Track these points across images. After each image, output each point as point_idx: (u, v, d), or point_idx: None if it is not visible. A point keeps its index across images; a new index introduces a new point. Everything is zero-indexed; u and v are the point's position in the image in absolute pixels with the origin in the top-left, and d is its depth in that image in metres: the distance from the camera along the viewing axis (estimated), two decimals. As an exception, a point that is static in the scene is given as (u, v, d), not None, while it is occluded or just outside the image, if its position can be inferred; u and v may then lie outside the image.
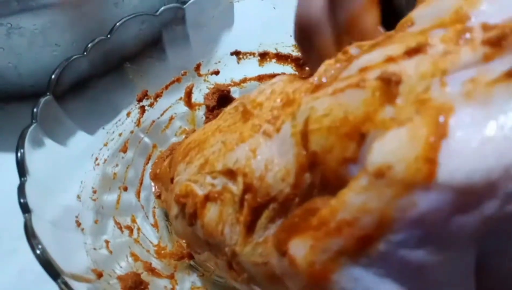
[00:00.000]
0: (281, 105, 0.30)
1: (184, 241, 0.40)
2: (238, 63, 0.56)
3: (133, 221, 0.46)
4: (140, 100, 0.51)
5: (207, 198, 0.33)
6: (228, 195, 0.31)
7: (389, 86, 0.23)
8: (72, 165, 0.44)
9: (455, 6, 0.24)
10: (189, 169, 0.35)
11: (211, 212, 0.32)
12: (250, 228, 0.30)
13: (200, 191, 0.33)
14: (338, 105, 0.25)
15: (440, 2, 0.25)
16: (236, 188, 0.31)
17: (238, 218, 0.31)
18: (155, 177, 0.49)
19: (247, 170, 0.30)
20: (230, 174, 0.31)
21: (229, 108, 0.37)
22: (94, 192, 0.45)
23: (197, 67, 0.55)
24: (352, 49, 0.28)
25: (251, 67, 0.56)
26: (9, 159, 0.38)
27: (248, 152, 0.30)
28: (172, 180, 0.39)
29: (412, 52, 0.24)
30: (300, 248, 0.25)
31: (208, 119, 0.53)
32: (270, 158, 0.29)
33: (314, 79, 0.29)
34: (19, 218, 0.34)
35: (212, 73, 0.55)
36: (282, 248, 0.27)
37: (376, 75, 0.24)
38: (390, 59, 0.24)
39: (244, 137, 0.31)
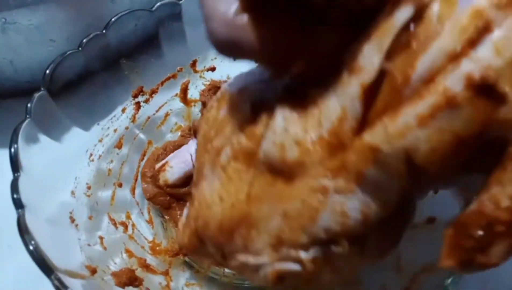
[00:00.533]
0: (327, 155, 0.27)
1: None
2: (234, 59, 0.56)
3: (128, 217, 0.46)
4: (135, 96, 0.51)
5: (315, 266, 0.30)
6: (336, 255, 0.30)
7: (487, 91, 0.22)
8: (67, 161, 0.44)
9: None
10: (253, 250, 0.32)
11: (325, 276, 0.31)
12: None
13: (296, 267, 0.30)
14: (439, 132, 0.23)
15: None
16: (342, 249, 0.30)
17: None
18: (144, 176, 0.49)
19: (347, 229, 0.28)
20: (328, 241, 0.29)
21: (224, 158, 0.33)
22: (89, 188, 0.45)
23: (193, 64, 0.54)
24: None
25: (247, 64, 0.56)
26: (5, 154, 0.38)
27: (337, 217, 0.28)
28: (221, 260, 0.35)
29: (475, 39, 0.21)
30: None
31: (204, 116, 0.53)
32: (364, 206, 0.28)
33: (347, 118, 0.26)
34: (16, 215, 0.34)
35: (208, 70, 0.55)
36: None
37: (461, 87, 0.22)
38: (450, 58, 0.22)
39: (312, 205, 0.28)
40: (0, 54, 0.53)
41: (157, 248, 0.44)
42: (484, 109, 0.22)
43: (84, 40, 0.46)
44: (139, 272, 0.40)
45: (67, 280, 0.32)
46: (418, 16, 0.23)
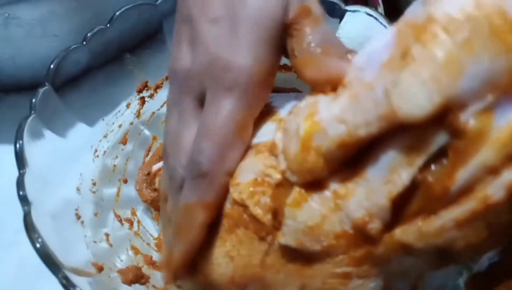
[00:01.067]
0: (352, 247, 0.27)
1: None
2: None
3: (133, 213, 0.46)
4: (140, 91, 0.50)
5: None
6: None
7: None
8: (72, 157, 0.44)
9: None
10: None
11: None
12: None
13: None
14: (476, 231, 0.24)
15: None
16: None
17: None
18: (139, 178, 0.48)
19: None
20: None
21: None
22: (94, 184, 0.44)
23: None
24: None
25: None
26: (9, 151, 0.37)
27: None
28: None
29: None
30: None
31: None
32: (387, 282, 0.28)
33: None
34: (19, 210, 0.34)
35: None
36: None
37: (502, 194, 0.22)
38: (490, 170, 0.22)
39: (333, 287, 0.28)
40: (2, 50, 0.53)
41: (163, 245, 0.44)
42: None
43: (88, 34, 0.45)
44: (146, 269, 0.40)
45: (74, 278, 0.32)
46: (456, 135, 0.23)
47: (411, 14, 0.25)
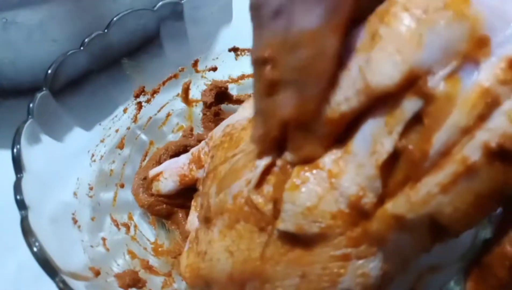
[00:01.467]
0: (349, 226, 0.28)
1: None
2: (236, 59, 0.55)
3: (130, 218, 0.46)
4: (137, 96, 0.51)
5: None
6: None
7: (503, 155, 0.23)
8: (69, 161, 0.44)
9: None
10: None
11: None
12: None
13: None
14: (461, 195, 0.25)
15: None
16: None
17: None
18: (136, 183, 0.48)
19: (366, 287, 0.29)
20: None
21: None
22: (91, 188, 0.45)
23: (195, 63, 0.54)
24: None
25: (249, 64, 0.56)
26: (7, 154, 0.38)
27: (358, 279, 0.29)
28: None
29: (486, 113, 0.23)
30: None
31: (205, 116, 0.52)
32: (385, 263, 0.28)
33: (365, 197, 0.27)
34: (17, 214, 0.34)
35: (209, 70, 0.55)
36: None
37: (479, 154, 0.23)
38: (463, 132, 0.24)
39: (333, 271, 0.29)
40: (1, 54, 0.53)
41: (160, 249, 0.44)
42: (502, 169, 0.24)
43: (86, 40, 0.45)
44: (142, 274, 0.40)
45: (71, 282, 0.32)
46: (428, 101, 0.24)
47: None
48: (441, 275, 0.33)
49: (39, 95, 0.41)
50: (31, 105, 0.40)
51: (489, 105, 0.23)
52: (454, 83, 0.24)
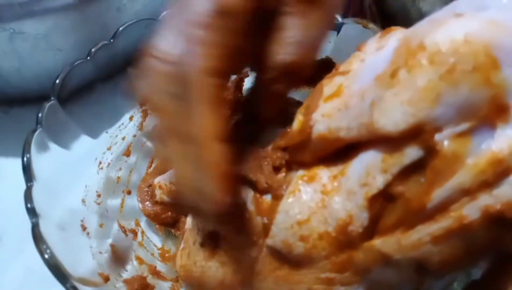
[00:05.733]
0: (334, 251, 0.28)
1: None
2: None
3: (137, 224, 0.47)
4: (142, 104, 0.51)
5: None
6: None
7: (502, 221, 0.24)
8: (77, 169, 0.45)
9: None
10: None
11: None
12: None
13: None
14: (451, 248, 0.25)
15: None
16: None
17: None
18: (141, 191, 0.49)
19: None
20: None
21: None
22: (99, 196, 0.45)
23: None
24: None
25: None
26: (14, 161, 0.38)
27: None
28: None
29: (493, 181, 0.23)
30: None
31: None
32: None
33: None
34: (25, 219, 0.35)
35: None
36: None
37: (478, 216, 0.24)
38: (466, 193, 0.24)
39: None
40: (7, 63, 0.54)
41: (167, 255, 0.45)
42: (496, 232, 0.24)
43: (93, 50, 0.46)
44: (150, 279, 0.41)
45: (81, 288, 0.33)
46: (429, 153, 0.24)
47: (413, 30, 0.26)
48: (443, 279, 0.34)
49: (47, 104, 0.42)
50: (39, 114, 0.41)
51: (498, 174, 0.23)
52: (464, 143, 0.24)
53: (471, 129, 0.24)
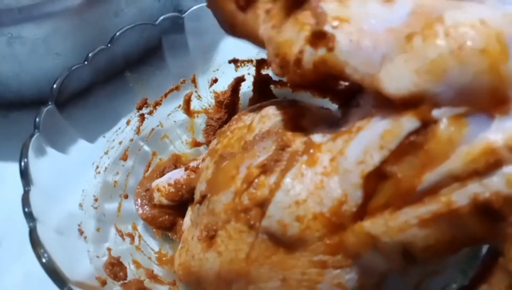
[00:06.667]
0: (327, 232, 0.29)
1: None
2: (236, 70, 0.56)
3: (134, 228, 0.47)
4: (139, 108, 0.51)
5: None
6: None
7: (489, 210, 0.24)
8: (74, 173, 0.45)
9: None
10: None
11: None
12: None
13: None
14: (437, 233, 0.25)
15: None
16: None
17: None
18: (138, 195, 0.49)
19: None
20: None
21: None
22: (96, 200, 0.45)
23: (195, 77, 0.55)
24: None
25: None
26: (13, 166, 0.38)
27: (335, 288, 0.30)
28: None
29: (483, 171, 0.24)
30: None
31: (209, 127, 0.53)
32: (361, 276, 0.29)
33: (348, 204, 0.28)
34: (23, 223, 0.35)
35: (210, 81, 0.56)
36: None
37: (466, 202, 0.24)
38: (456, 179, 0.24)
39: (311, 277, 0.30)
40: (6, 67, 0.54)
41: (164, 258, 0.45)
42: (483, 223, 0.25)
43: (90, 54, 0.46)
44: (147, 283, 0.41)
45: (79, 292, 0.33)
46: (424, 128, 0.25)
47: (434, 3, 0.27)
48: (442, 278, 0.34)
49: (45, 109, 0.42)
50: (37, 119, 0.41)
51: (490, 165, 0.24)
52: (459, 127, 0.24)
53: (469, 114, 0.24)
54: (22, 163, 0.38)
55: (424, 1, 0.27)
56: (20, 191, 0.36)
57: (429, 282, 0.32)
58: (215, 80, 0.56)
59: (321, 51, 0.28)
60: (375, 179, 0.27)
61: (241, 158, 0.34)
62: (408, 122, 0.25)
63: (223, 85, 0.56)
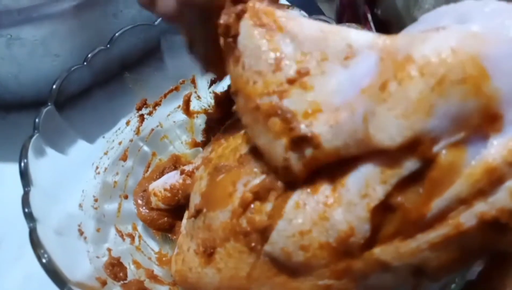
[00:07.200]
0: (333, 260, 0.29)
1: None
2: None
3: (134, 229, 0.47)
4: (139, 109, 0.52)
5: None
6: None
7: (497, 226, 0.24)
8: (73, 174, 0.45)
9: None
10: None
11: None
12: None
13: None
14: (448, 252, 0.26)
15: None
16: None
17: None
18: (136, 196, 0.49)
19: None
20: None
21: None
22: (96, 200, 0.45)
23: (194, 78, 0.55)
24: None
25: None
26: (12, 167, 0.38)
27: None
28: None
29: (487, 190, 0.24)
30: None
31: (209, 128, 0.53)
32: None
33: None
34: (23, 224, 0.35)
35: (210, 82, 0.56)
36: None
37: (474, 222, 0.24)
38: (463, 201, 0.24)
39: None
40: (5, 69, 0.54)
41: (164, 259, 0.45)
42: (492, 236, 0.25)
43: (89, 55, 0.46)
44: (148, 283, 0.41)
45: (79, 292, 0.33)
46: (427, 164, 0.25)
47: (392, 44, 0.26)
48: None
49: (44, 110, 0.42)
50: (36, 120, 0.41)
51: (492, 182, 0.24)
52: (459, 153, 0.24)
53: (466, 139, 0.24)
54: (22, 164, 0.38)
55: (385, 43, 0.27)
56: (20, 191, 0.36)
57: (428, 283, 0.32)
58: (215, 81, 0.56)
59: (308, 152, 0.28)
60: (382, 212, 0.27)
61: (237, 174, 0.34)
62: (409, 163, 0.25)
63: (222, 86, 0.56)
